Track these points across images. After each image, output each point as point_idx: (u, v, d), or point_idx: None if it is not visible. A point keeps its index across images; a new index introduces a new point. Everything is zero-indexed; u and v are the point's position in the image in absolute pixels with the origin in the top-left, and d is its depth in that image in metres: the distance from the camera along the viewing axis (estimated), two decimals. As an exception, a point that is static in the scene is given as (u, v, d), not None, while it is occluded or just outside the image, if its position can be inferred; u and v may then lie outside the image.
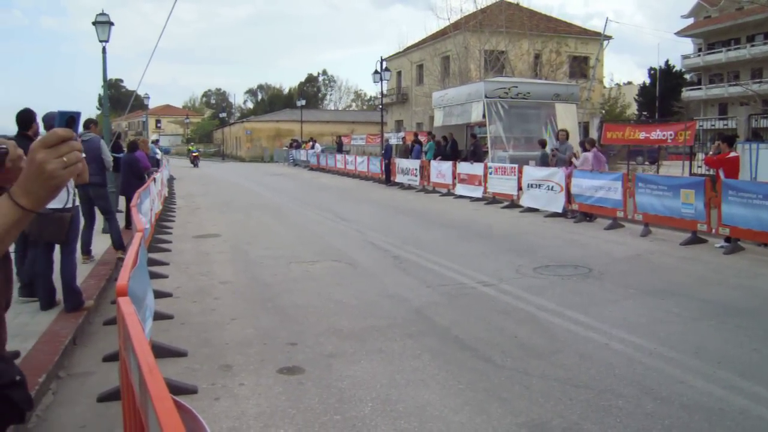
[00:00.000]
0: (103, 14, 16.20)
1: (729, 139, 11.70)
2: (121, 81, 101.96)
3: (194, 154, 49.43)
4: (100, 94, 37.47)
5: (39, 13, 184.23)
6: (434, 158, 23.82)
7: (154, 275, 7.92)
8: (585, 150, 15.50)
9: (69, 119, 1.57)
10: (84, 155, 1.63)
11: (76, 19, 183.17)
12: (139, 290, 4.02)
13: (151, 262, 8.67)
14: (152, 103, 71.56)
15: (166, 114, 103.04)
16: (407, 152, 27.71)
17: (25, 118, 6.57)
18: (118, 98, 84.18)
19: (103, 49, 16.44)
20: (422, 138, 27.06)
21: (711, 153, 12.80)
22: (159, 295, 7.19)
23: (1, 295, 1.90)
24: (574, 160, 15.66)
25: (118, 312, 3.10)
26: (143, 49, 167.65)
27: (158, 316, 6.25)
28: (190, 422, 1.79)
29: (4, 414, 1.79)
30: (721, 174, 11.11)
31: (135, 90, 33.52)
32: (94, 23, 16.14)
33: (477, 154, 22.00)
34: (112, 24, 16.35)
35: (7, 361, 1.91)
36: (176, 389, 4.48)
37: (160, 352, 5.30)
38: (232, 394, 4.75)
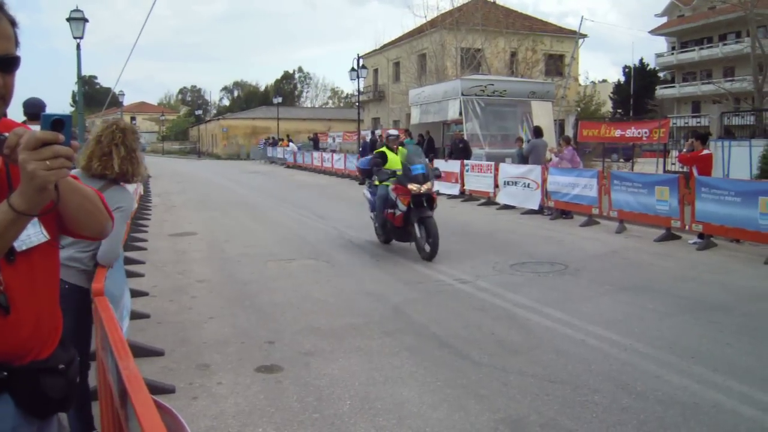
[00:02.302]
0: (77, 11, 16.02)
1: (702, 137, 11.85)
2: (95, 78, 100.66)
3: None
4: (74, 91, 37.23)
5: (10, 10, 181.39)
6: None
7: (130, 274, 7.85)
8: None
9: (55, 122, 1.53)
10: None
11: (48, 14, 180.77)
12: (115, 289, 3.99)
13: (127, 261, 8.58)
14: (127, 100, 71.04)
15: (141, 111, 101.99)
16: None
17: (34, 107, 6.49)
18: (92, 95, 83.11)
19: (78, 45, 16.27)
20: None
21: (685, 150, 12.97)
22: (135, 294, 7.13)
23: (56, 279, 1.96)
24: (553, 157, 15.79)
25: (94, 312, 3.08)
26: (116, 45, 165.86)
27: (134, 315, 6.20)
28: (170, 421, 1.79)
29: (31, 398, 1.79)
30: (695, 171, 11.25)
31: (110, 87, 33.19)
32: (68, 20, 15.96)
33: (467, 150, 21.76)
34: (86, 20, 16.17)
35: (65, 348, 1.94)
36: (154, 389, 4.45)
37: (137, 351, 5.25)
38: (210, 393, 4.73)
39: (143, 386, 1.72)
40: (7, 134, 1.59)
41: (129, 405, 1.72)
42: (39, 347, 1.82)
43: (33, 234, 1.78)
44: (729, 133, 18.73)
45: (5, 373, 1.73)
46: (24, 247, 1.76)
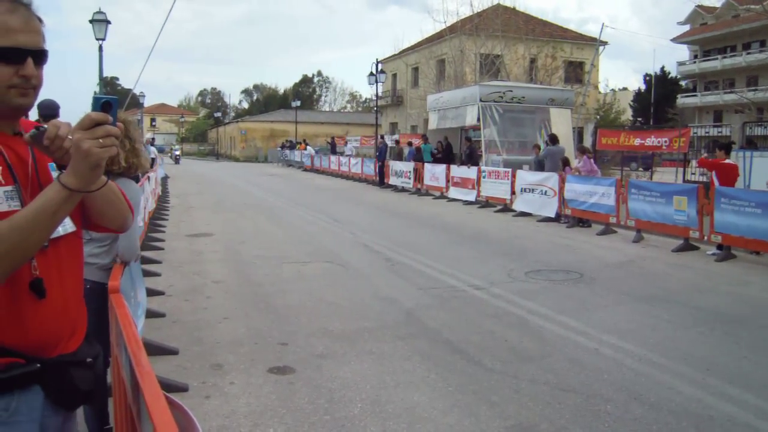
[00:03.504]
0: (100, 12, 16.19)
1: (726, 146, 11.73)
2: (117, 79, 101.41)
3: None
4: (95, 92, 37.52)
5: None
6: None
7: (146, 273, 7.92)
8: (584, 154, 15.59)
9: (104, 104, 1.66)
10: None
11: (70, 15, 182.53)
12: (131, 288, 4.03)
13: (144, 260, 8.66)
14: (147, 102, 71.45)
15: (161, 113, 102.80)
16: (400, 155, 27.70)
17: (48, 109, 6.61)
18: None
19: (100, 47, 16.43)
20: (402, 140, 27.01)
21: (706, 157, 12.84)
22: (151, 293, 7.19)
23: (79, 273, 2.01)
24: (576, 162, 15.75)
25: (110, 309, 3.11)
26: (137, 47, 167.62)
27: (150, 314, 6.25)
28: (181, 419, 1.81)
29: (61, 390, 1.85)
30: (715, 180, 11.14)
31: (131, 89, 33.37)
32: (91, 21, 16.13)
33: (473, 157, 22.06)
34: (108, 22, 16.33)
35: (90, 342, 2.01)
36: (167, 387, 4.48)
37: (152, 349, 5.30)
38: (223, 393, 4.76)
39: (155, 382, 1.74)
40: (46, 126, 1.69)
41: (141, 400, 1.74)
42: (67, 338, 1.88)
43: (66, 221, 1.86)
44: (751, 144, 18.50)
45: (38, 365, 1.78)
46: (60, 233, 1.84)
